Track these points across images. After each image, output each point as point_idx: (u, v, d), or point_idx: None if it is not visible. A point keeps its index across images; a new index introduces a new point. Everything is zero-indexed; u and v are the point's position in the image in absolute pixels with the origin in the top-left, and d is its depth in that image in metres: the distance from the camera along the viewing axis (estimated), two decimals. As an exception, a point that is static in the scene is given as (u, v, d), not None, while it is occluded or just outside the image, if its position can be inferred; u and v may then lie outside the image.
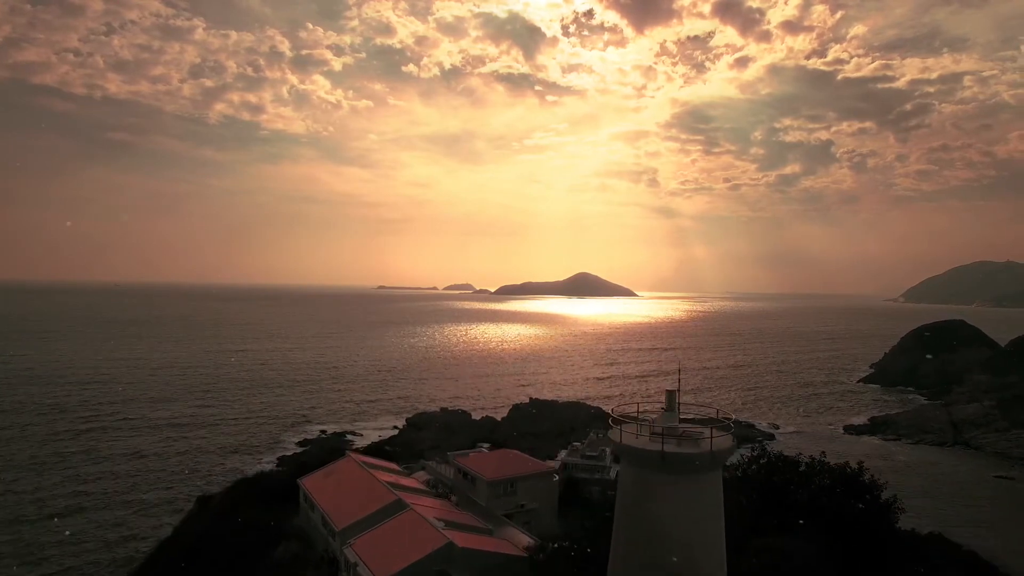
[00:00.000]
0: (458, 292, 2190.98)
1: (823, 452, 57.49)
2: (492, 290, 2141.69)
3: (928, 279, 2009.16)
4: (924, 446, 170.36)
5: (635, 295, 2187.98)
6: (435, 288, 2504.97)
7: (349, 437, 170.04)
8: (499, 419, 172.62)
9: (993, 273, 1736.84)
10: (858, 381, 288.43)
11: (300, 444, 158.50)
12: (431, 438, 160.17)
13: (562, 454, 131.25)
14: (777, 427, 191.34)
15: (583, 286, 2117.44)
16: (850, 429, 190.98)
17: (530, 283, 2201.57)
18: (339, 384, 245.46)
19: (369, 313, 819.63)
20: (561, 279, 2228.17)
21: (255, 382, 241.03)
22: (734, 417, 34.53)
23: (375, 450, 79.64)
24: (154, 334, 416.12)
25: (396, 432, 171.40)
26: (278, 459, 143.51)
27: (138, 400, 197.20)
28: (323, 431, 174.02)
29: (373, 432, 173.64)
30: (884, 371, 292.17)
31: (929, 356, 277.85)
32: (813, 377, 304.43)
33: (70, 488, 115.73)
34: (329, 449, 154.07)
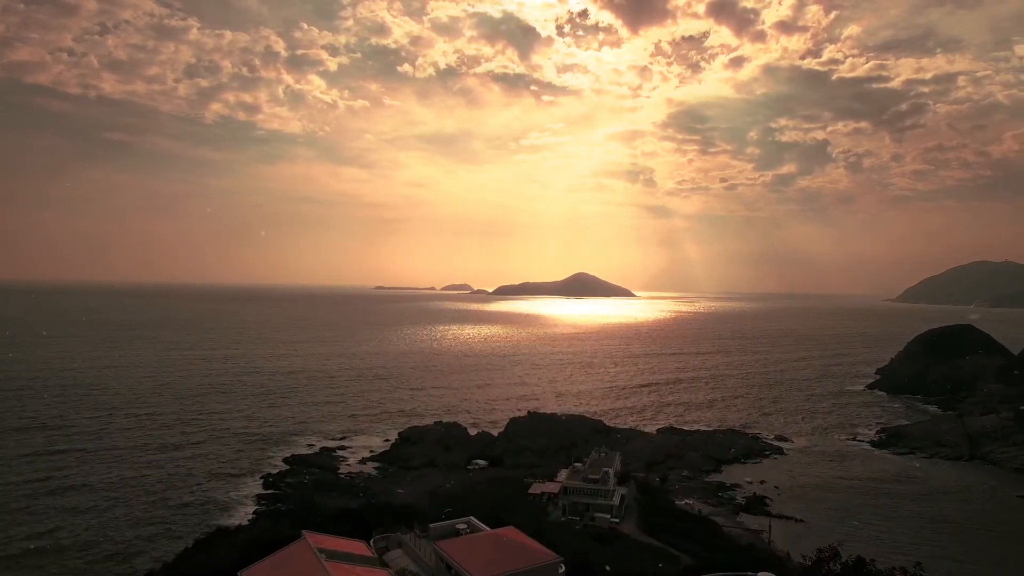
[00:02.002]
0: (456, 292, 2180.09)
1: (919, 563, 46.63)
2: (490, 290, 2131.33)
3: (926, 279, 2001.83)
4: (940, 460, 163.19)
5: (633, 295, 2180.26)
6: (433, 288, 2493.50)
7: (338, 452, 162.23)
8: (495, 434, 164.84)
9: (992, 273, 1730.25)
10: (864, 388, 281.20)
11: (287, 461, 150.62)
12: (424, 454, 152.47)
13: (563, 474, 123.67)
14: (785, 440, 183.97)
15: (581, 286, 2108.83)
16: (861, 441, 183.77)
17: (528, 283, 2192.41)
18: (332, 392, 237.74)
19: (366, 314, 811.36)
20: (559, 279, 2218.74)
21: (246, 391, 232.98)
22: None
23: (342, 519, 69.00)
24: (146, 338, 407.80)
25: (388, 447, 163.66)
26: (262, 480, 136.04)
27: (120, 412, 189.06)
28: (311, 446, 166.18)
29: (364, 447, 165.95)
30: (890, 377, 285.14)
31: (937, 362, 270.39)
32: (817, 383, 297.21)
33: (25, 528, 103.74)
34: (314, 464, 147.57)
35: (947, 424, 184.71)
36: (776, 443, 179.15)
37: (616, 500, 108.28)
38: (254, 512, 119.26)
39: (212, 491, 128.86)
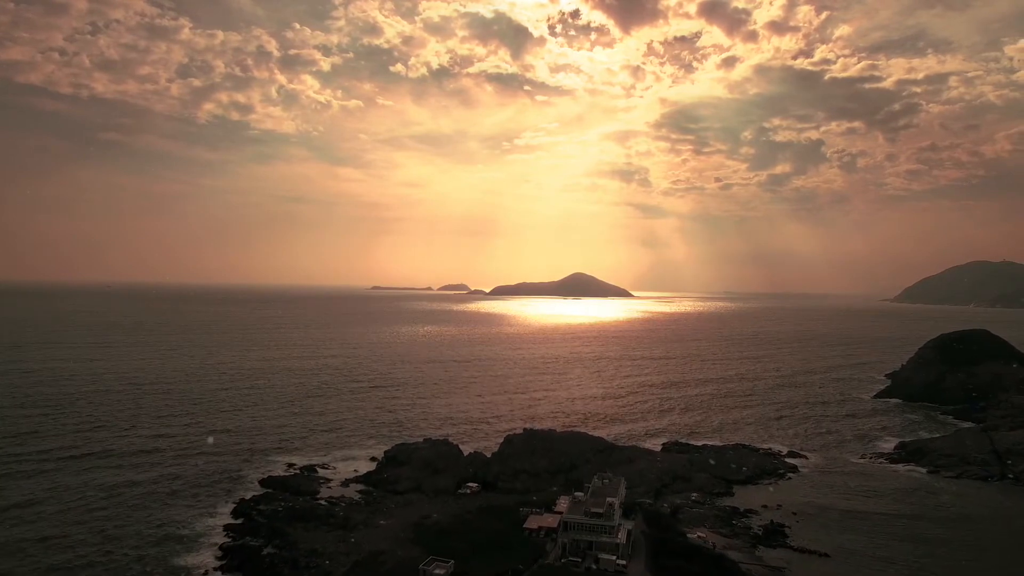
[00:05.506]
0: (453, 292, 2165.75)
1: None
2: (487, 291, 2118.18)
3: (925, 279, 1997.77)
4: (968, 480, 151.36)
5: (630, 295, 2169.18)
6: (430, 288, 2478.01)
7: (320, 471, 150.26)
8: (489, 455, 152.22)
9: (990, 273, 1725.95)
10: (875, 396, 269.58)
11: (263, 484, 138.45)
12: (412, 477, 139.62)
13: (562, 503, 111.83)
14: (799, 455, 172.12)
15: (578, 286, 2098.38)
16: (880, 457, 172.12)
17: (525, 284, 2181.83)
18: (317, 403, 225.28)
19: (360, 316, 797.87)
20: (556, 279, 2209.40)
21: (229, 403, 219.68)
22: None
23: None
24: (131, 342, 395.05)
25: (373, 467, 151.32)
26: (233, 508, 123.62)
27: (73, 430, 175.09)
28: (291, 465, 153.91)
29: (347, 467, 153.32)
30: (903, 385, 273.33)
31: (952, 369, 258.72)
32: (826, 390, 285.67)
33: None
34: (292, 488, 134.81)
35: (972, 439, 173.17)
36: (790, 460, 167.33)
37: (622, 537, 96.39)
38: (220, 547, 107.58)
39: (178, 521, 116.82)
